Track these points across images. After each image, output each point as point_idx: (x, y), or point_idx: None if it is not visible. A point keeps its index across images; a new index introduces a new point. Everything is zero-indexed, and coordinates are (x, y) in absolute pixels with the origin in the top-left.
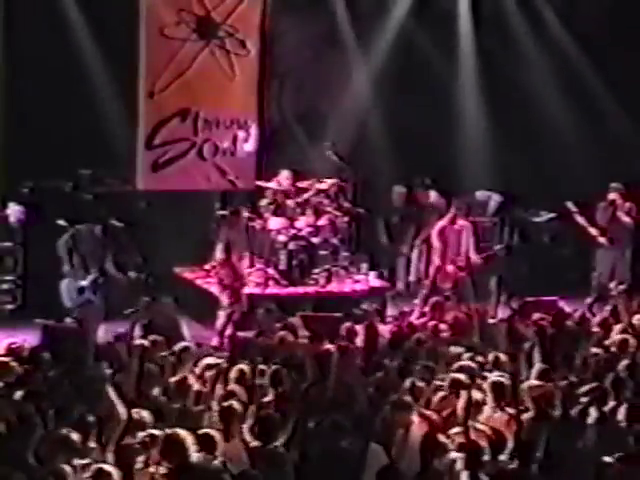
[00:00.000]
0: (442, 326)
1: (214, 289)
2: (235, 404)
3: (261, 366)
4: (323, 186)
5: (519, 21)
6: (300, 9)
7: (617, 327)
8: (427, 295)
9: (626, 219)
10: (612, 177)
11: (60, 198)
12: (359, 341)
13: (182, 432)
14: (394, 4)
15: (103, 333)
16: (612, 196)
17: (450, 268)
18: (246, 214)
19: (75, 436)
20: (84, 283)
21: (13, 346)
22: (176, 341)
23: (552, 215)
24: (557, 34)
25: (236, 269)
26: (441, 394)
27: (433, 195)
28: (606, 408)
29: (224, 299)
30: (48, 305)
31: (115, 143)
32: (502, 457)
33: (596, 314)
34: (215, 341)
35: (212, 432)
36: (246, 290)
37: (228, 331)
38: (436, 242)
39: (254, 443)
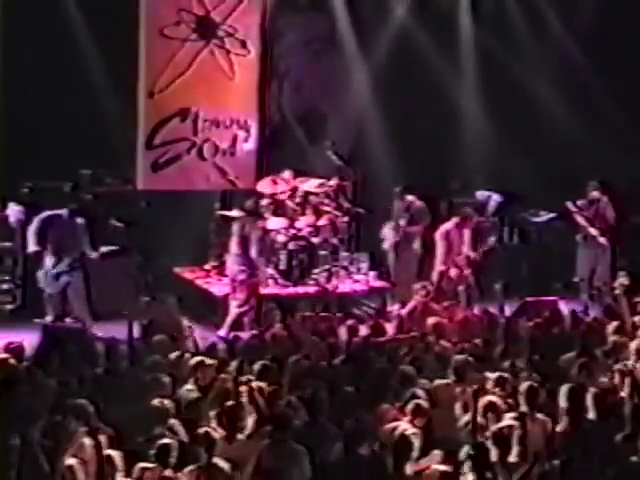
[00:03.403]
0: (448, 327)
1: (214, 289)
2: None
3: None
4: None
5: (519, 20)
6: (300, 9)
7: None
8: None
9: (608, 217)
10: (612, 177)
11: (60, 198)
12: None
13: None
14: (394, 4)
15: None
16: (595, 194)
17: (453, 271)
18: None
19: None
20: (59, 269)
21: (11, 346)
22: (178, 341)
23: (552, 215)
24: (557, 33)
25: (253, 265)
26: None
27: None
28: None
29: (237, 296)
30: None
31: (115, 143)
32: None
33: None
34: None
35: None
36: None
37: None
38: (440, 245)
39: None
